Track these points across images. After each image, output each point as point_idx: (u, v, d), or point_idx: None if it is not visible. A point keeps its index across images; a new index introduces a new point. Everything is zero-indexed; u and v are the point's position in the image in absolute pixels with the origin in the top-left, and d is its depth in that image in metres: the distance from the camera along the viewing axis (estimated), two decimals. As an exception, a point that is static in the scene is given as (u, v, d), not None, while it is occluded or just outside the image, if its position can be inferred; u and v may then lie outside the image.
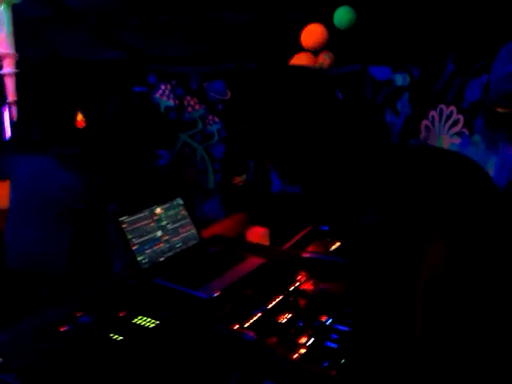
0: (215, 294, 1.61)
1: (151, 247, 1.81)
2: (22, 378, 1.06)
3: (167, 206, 1.95)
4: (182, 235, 1.95)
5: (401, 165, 1.10)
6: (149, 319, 1.38)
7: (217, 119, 4.92)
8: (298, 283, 1.83)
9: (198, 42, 4.85)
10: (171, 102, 5.01)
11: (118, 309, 1.44)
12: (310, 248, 2.11)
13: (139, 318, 1.39)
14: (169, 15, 4.55)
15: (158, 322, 1.37)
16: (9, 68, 3.30)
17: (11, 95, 3.36)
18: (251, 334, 1.38)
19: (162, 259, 1.82)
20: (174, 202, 1.99)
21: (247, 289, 1.70)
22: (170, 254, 1.86)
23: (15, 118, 3.41)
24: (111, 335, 1.29)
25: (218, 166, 4.80)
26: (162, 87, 5.03)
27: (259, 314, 1.62)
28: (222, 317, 1.53)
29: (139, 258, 1.74)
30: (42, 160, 2.72)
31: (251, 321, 1.58)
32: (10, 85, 3.35)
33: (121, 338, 1.28)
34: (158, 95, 5.03)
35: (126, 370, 1.14)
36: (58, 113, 3.90)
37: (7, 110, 3.52)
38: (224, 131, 4.84)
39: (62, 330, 1.31)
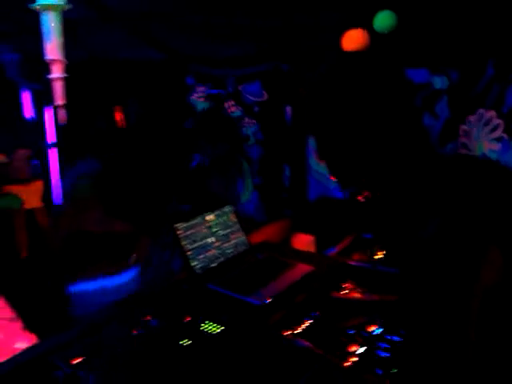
0: (267, 301, 1.67)
1: (204, 253, 1.87)
2: (102, 378, 1.15)
3: (218, 213, 2.02)
4: (232, 241, 2.02)
5: (451, 179, 1.14)
6: (214, 325, 1.46)
7: (253, 121, 4.96)
8: (345, 292, 1.88)
9: (235, 44, 4.90)
10: (208, 104, 5.07)
11: (183, 314, 1.52)
12: (355, 256, 2.15)
13: (205, 323, 1.47)
14: (208, 17, 4.61)
15: (222, 328, 1.45)
16: (58, 73, 3.41)
17: (60, 99, 3.47)
18: (305, 342, 1.44)
19: (213, 265, 1.89)
20: (225, 209, 2.06)
21: (297, 296, 1.75)
22: (221, 259, 1.93)
23: (64, 122, 3.53)
24: (180, 340, 1.37)
25: (256, 168, 4.84)
26: (199, 89, 5.10)
27: (310, 321, 1.67)
28: (274, 323, 1.59)
29: (193, 264, 1.82)
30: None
31: (302, 328, 1.63)
32: (58, 89, 3.46)
33: (189, 342, 1.36)
34: (194, 97, 5.11)
35: (197, 375, 1.22)
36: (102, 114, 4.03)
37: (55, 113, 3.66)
38: (260, 133, 4.89)
39: (134, 333, 1.40)
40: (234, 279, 1.82)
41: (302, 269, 1.92)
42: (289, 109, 4.68)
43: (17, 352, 1.42)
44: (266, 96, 4.94)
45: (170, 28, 4.72)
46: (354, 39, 3.81)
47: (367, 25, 3.89)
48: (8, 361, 1.37)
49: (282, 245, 2.26)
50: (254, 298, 1.68)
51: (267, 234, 2.37)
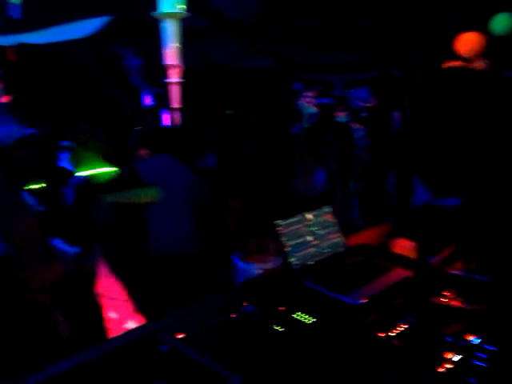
0: (362, 301, 1.69)
1: (302, 250, 1.94)
2: (201, 354, 1.27)
3: (317, 212, 2.07)
4: (330, 241, 2.06)
5: None
6: (306, 316, 1.52)
7: (360, 126, 4.93)
8: (444, 299, 1.83)
9: (343, 50, 4.92)
10: (314, 109, 5.13)
11: (277, 303, 1.62)
12: (458, 265, 2.08)
13: (298, 313, 1.55)
14: (319, 23, 4.68)
15: (314, 320, 1.51)
16: (175, 78, 3.68)
17: (176, 102, 3.74)
18: (398, 343, 1.44)
19: (310, 262, 1.94)
20: (324, 210, 2.10)
21: (394, 299, 1.74)
22: (318, 258, 1.98)
23: (179, 123, 3.79)
24: (273, 326, 1.46)
25: (359, 174, 4.81)
26: (307, 94, 5.18)
27: (405, 325, 1.66)
28: (368, 324, 1.60)
29: (290, 259, 1.88)
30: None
31: (397, 331, 1.63)
32: (175, 93, 3.73)
33: (282, 329, 1.45)
34: (302, 102, 5.20)
35: (286, 359, 1.29)
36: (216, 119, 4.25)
37: (170, 115, 3.95)
38: (367, 139, 4.85)
39: (232, 316, 1.52)
40: (329, 278, 1.86)
41: (400, 273, 1.91)
42: (397, 114, 4.59)
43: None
44: (374, 101, 4.89)
45: (280, 36, 4.87)
46: (469, 42, 3.66)
47: (483, 28, 3.72)
48: (119, 336, 1.53)
49: (381, 248, 2.24)
50: (349, 297, 1.71)
51: (366, 237, 2.36)
